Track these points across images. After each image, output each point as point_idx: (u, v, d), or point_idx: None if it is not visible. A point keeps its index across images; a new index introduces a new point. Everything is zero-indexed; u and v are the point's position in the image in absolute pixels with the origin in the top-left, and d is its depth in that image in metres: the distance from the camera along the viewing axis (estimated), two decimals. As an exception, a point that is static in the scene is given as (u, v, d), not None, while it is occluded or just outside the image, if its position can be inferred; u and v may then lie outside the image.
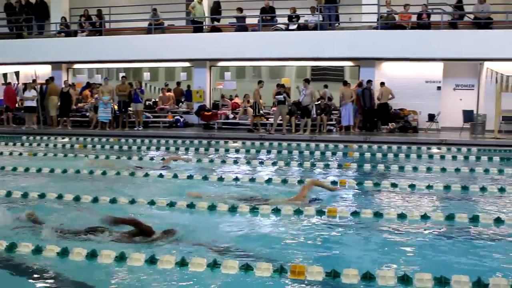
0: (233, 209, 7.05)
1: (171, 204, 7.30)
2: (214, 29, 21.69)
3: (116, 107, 20.10)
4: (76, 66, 23.93)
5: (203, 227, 6.45)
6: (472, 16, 20.22)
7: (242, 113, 20.64)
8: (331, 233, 6.21)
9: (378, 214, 6.81)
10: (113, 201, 7.53)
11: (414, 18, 20.49)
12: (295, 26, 21.13)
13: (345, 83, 19.95)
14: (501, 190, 8.65)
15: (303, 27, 20.98)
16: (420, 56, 19.56)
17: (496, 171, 10.78)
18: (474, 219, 6.63)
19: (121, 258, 4.92)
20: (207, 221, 6.80)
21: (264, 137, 17.51)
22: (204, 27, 21.60)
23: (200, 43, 20.90)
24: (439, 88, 20.30)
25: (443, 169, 10.96)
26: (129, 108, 20.15)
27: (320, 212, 6.89)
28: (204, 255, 5.00)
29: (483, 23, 19.57)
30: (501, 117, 18.12)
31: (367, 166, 11.28)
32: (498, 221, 6.60)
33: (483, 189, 8.72)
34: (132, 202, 7.49)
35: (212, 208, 7.13)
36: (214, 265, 4.71)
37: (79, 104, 22.04)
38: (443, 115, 19.80)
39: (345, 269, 4.55)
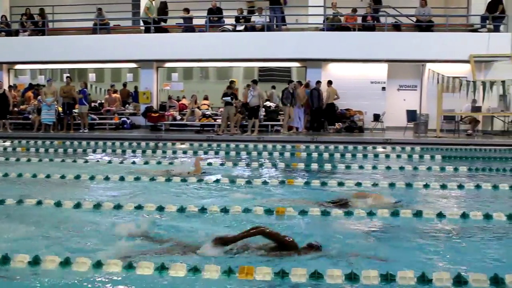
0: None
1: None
2: (161, 30, 21.48)
3: (60, 109, 19.61)
4: (18, 66, 23.24)
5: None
6: (414, 18, 20.81)
7: (189, 114, 20.51)
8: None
9: (325, 213, 6.89)
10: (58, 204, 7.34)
11: (359, 20, 20.90)
12: (242, 27, 21.17)
13: (300, 84, 20.05)
14: (443, 187, 8.92)
15: (250, 28, 21.05)
16: (365, 57, 20.00)
17: (438, 168, 11.13)
18: (418, 215, 6.81)
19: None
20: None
21: (212, 138, 17.45)
22: (151, 27, 21.35)
23: (147, 44, 20.69)
24: (383, 88, 20.78)
25: (388, 168, 11.23)
26: (73, 110, 19.69)
27: (268, 211, 6.92)
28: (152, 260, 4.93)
29: (424, 25, 20.14)
30: (443, 116, 18.69)
31: (315, 166, 11.41)
32: (440, 215, 6.80)
33: (426, 186, 8.97)
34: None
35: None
36: (161, 268, 4.65)
37: (22, 106, 21.40)
38: (387, 115, 20.26)
39: (293, 268, 4.57)
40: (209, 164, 11.80)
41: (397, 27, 20.86)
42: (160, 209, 7.09)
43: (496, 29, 19.89)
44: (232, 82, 19.71)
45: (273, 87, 22.76)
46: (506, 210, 7.06)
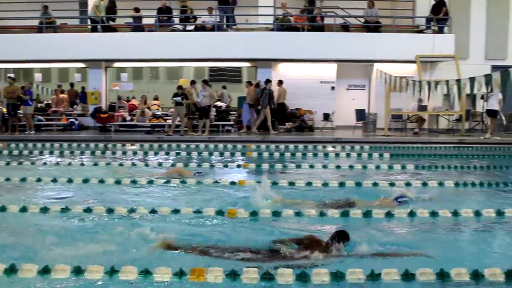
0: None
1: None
2: (109, 29, 21.09)
3: (4, 110, 19.03)
4: (-42, 66, 22.40)
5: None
6: (362, 19, 21.18)
7: (139, 114, 20.26)
8: (230, 233, 6.24)
9: (276, 213, 6.94)
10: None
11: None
12: (192, 27, 21.04)
13: (250, 84, 20.02)
14: (391, 184, 9.11)
15: (200, 28, 20.94)
16: (314, 57, 20.20)
17: (386, 167, 11.36)
18: (367, 214, 6.93)
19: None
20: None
21: (162, 138, 17.29)
22: (98, 26, 20.92)
23: (95, 43, 20.26)
24: (333, 88, 21.08)
25: (338, 167, 11.38)
26: (18, 111, 19.12)
27: (219, 213, 6.92)
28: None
29: (372, 26, 20.53)
30: (390, 115, 19.10)
31: (266, 165, 11.46)
32: (389, 214, 6.94)
33: (375, 184, 9.14)
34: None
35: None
36: (112, 272, 4.58)
37: (-37, 108, 20.67)
38: (337, 114, 20.55)
39: (245, 268, 4.59)
40: (160, 165, 11.72)
41: (345, 28, 21.17)
42: (110, 211, 6.98)
43: (440, 31, 20.46)
44: (193, 82, 19.60)
45: (224, 87, 22.76)
46: (451, 207, 7.26)
